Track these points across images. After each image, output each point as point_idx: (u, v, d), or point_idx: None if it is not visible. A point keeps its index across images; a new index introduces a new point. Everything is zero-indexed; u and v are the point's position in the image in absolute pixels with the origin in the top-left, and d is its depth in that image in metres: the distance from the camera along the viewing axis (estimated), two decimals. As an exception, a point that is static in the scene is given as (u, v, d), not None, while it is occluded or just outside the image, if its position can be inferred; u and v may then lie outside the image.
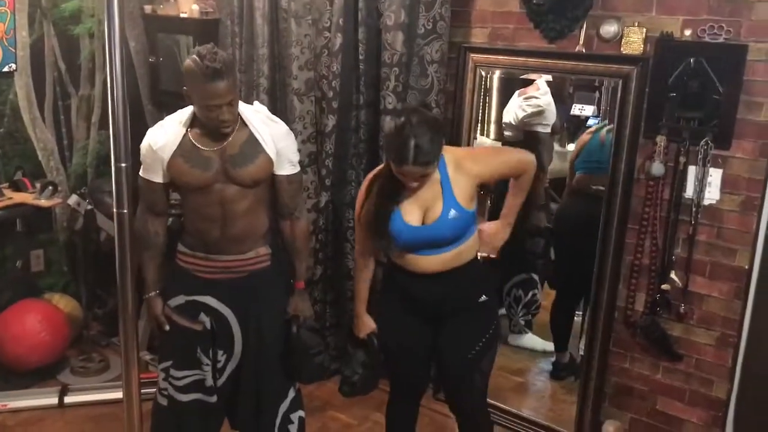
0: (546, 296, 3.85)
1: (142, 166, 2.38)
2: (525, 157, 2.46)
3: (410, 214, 2.31)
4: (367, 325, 2.55)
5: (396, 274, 2.43)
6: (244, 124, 2.33)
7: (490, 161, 2.44)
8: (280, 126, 2.41)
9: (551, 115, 3.57)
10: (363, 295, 2.55)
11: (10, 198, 3.48)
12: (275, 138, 2.36)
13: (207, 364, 2.46)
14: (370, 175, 2.44)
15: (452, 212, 2.28)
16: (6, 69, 3.57)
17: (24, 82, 3.69)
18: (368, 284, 2.55)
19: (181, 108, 2.40)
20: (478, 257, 2.49)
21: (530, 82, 3.56)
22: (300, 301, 2.57)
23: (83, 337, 3.87)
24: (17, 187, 3.59)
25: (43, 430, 3.18)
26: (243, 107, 2.35)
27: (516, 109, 3.60)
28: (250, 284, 2.43)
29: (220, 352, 2.46)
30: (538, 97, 3.54)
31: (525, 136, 3.62)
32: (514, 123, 3.61)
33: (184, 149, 2.31)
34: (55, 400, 3.33)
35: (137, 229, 2.37)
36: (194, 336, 2.44)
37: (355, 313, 2.59)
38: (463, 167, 2.31)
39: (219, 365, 2.47)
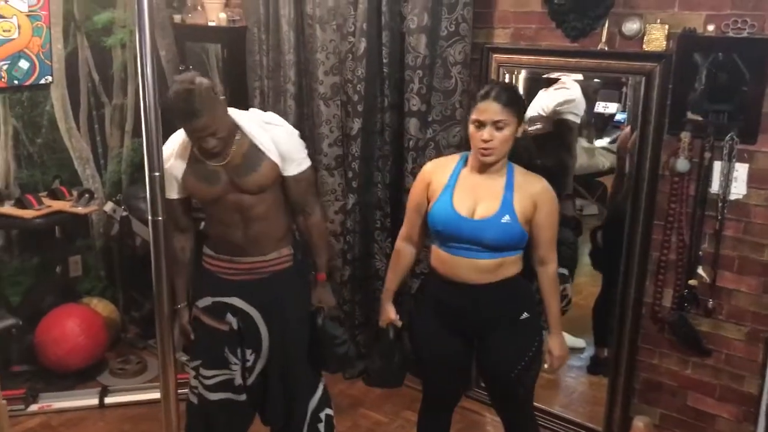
0: (577, 291, 3.82)
1: None
2: (556, 250, 2.38)
3: (460, 199, 2.29)
4: (388, 313, 2.53)
5: (433, 284, 2.42)
6: (244, 133, 2.38)
7: (551, 198, 2.33)
8: (279, 128, 2.43)
9: (581, 104, 3.58)
10: (390, 282, 2.53)
11: (49, 206, 3.59)
12: (276, 141, 2.39)
13: (235, 364, 2.53)
14: (433, 161, 2.47)
15: (506, 217, 2.24)
16: (43, 81, 3.69)
17: (60, 94, 3.81)
18: (400, 275, 2.53)
19: None
20: (521, 278, 2.40)
21: (554, 81, 3.58)
22: (323, 292, 2.63)
23: (121, 339, 3.99)
24: (55, 195, 3.70)
25: (84, 430, 3.28)
26: (238, 116, 2.38)
27: (546, 100, 3.60)
28: (274, 284, 2.50)
29: (249, 351, 2.52)
30: (568, 87, 3.55)
31: (555, 125, 3.62)
32: (544, 113, 3.61)
33: (192, 166, 2.39)
34: (95, 401, 3.44)
35: (170, 242, 2.45)
36: (222, 336, 2.51)
37: (381, 299, 2.57)
38: (529, 182, 2.30)
39: (248, 364, 2.53)
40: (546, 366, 2.45)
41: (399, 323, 2.52)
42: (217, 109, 2.27)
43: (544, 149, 3.63)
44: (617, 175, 3.44)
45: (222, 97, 2.35)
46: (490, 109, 2.21)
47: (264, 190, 2.40)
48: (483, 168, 2.30)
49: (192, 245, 2.59)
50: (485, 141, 2.22)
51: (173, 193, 2.44)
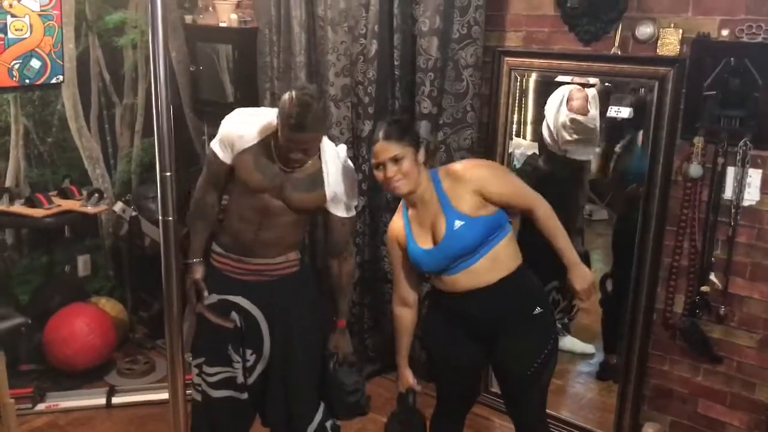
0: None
1: (217, 139, 2.41)
2: (534, 193, 2.34)
3: (420, 237, 2.32)
4: (407, 379, 2.51)
5: (439, 299, 2.42)
6: (322, 159, 2.39)
7: (494, 172, 2.34)
8: (349, 170, 2.46)
9: (594, 143, 3.54)
10: (402, 346, 2.51)
11: (59, 205, 3.59)
12: (340, 178, 2.41)
13: (238, 362, 2.53)
14: (390, 224, 2.46)
15: (456, 223, 2.24)
16: (54, 81, 3.70)
17: (71, 93, 3.82)
18: (408, 337, 2.51)
19: (221, 116, 2.46)
20: (525, 269, 2.38)
21: (562, 84, 3.54)
22: (341, 338, 2.61)
23: (129, 339, 3.99)
24: (65, 194, 3.70)
25: (91, 430, 3.28)
26: (327, 144, 2.41)
27: (560, 126, 3.54)
28: (280, 288, 2.50)
29: (249, 352, 2.52)
30: (583, 122, 3.47)
31: (567, 161, 3.59)
32: (552, 141, 3.58)
33: (258, 150, 2.37)
34: (103, 401, 3.44)
35: (195, 197, 2.49)
36: (226, 333, 2.51)
37: (397, 365, 2.55)
38: (459, 178, 2.28)
39: (248, 364, 2.54)
40: (575, 305, 2.35)
41: (418, 388, 2.52)
42: (322, 132, 2.33)
43: (555, 185, 3.56)
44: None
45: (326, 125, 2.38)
46: (382, 149, 2.22)
47: (302, 211, 2.44)
48: (415, 199, 2.31)
49: (219, 205, 2.56)
50: (389, 178, 2.23)
51: (227, 157, 2.41)
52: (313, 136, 2.27)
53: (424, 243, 2.31)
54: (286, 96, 2.23)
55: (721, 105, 2.65)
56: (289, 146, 2.28)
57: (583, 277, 2.34)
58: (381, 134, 2.24)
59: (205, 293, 2.54)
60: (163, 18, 2.10)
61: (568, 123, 3.48)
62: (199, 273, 2.55)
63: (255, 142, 2.37)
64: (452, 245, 2.25)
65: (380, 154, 2.23)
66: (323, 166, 2.39)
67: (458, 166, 2.34)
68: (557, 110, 3.55)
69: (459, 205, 2.25)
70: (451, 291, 2.34)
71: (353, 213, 2.52)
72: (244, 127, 2.38)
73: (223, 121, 2.41)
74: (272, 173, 2.37)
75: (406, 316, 2.48)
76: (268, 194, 2.38)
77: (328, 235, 2.53)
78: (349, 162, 2.50)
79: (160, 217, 2.22)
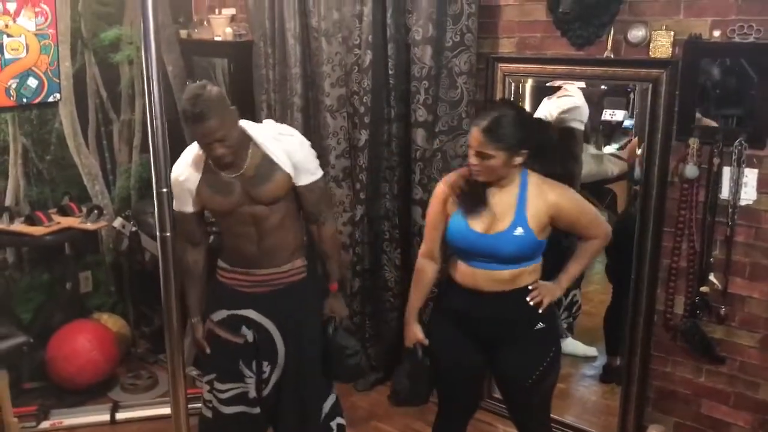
0: (588, 299, 3.81)
1: (174, 200, 2.43)
2: (603, 221, 2.39)
3: (474, 215, 2.29)
4: (414, 333, 2.50)
5: (450, 292, 2.42)
6: (257, 145, 2.39)
7: (572, 200, 2.32)
8: (291, 138, 2.45)
9: (585, 111, 3.56)
10: (415, 301, 2.51)
11: (58, 223, 3.60)
12: (289, 152, 2.41)
13: (250, 377, 2.53)
14: (448, 177, 2.43)
15: (518, 230, 2.23)
16: (51, 99, 3.71)
17: (68, 111, 3.83)
18: (424, 292, 2.50)
19: None
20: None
21: (558, 88, 3.57)
22: (335, 302, 2.64)
23: (132, 354, 3.99)
24: (64, 211, 3.71)
25: (96, 447, 3.28)
26: (251, 128, 2.41)
27: (549, 108, 3.58)
28: (289, 296, 2.50)
29: (265, 363, 2.52)
30: (571, 94, 3.54)
31: (559, 133, 3.61)
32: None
33: (207, 178, 2.41)
34: (107, 417, 3.44)
35: (178, 258, 2.45)
36: (237, 349, 2.51)
37: (405, 319, 2.55)
38: (544, 192, 2.27)
39: (264, 376, 2.53)
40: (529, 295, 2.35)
41: (426, 342, 2.50)
42: (225, 115, 2.29)
43: (547, 160, 3.61)
44: (629, 185, 3.43)
45: (232, 107, 2.35)
46: (476, 138, 2.21)
47: (278, 201, 2.42)
48: (492, 185, 2.29)
49: (204, 259, 2.60)
50: (472, 164, 2.24)
51: (188, 206, 2.46)
52: (217, 123, 2.24)
53: (474, 223, 2.28)
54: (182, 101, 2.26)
55: (715, 105, 2.67)
56: (205, 145, 2.29)
57: (553, 291, 2.38)
58: (483, 124, 2.18)
59: (207, 350, 2.57)
60: (156, 35, 2.13)
61: (557, 99, 3.53)
62: (199, 332, 2.60)
63: (199, 173, 2.41)
64: (501, 245, 2.25)
65: (471, 140, 2.22)
66: (263, 149, 2.38)
67: (549, 182, 2.32)
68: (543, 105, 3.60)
69: (530, 217, 2.25)
70: (465, 286, 2.34)
71: (318, 176, 2.49)
72: (182, 171, 2.43)
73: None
74: (229, 188, 2.39)
75: (428, 269, 2.48)
76: (244, 206, 2.39)
77: (300, 206, 2.51)
78: (286, 129, 2.48)
79: (157, 233, 2.23)
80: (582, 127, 3.61)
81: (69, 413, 3.45)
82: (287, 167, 2.40)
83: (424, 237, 2.49)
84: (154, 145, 2.20)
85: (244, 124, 2.40)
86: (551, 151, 3.57)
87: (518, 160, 2.24)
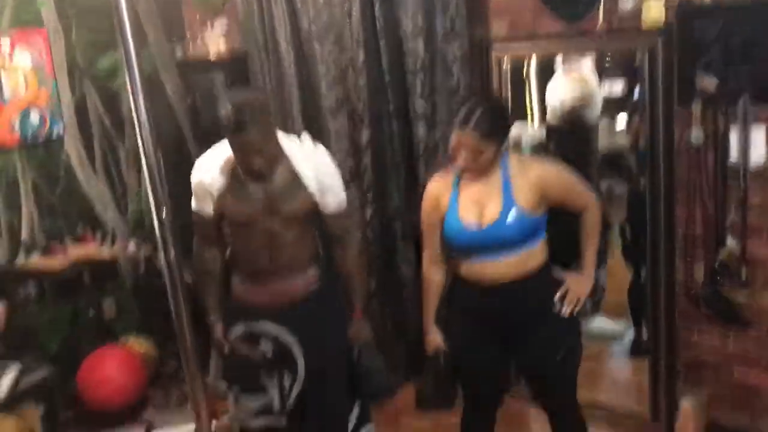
0: (612, 274, 3.75)
1: (194, 198, 2.42)
2: (590, 192, 2.37)
3: (466, 209, 2.27)
4: (434, 340, 2.49)
5: (461, 290, 2.40)
6: (289, 159, 2.36)
7: (556, 172, 2.31)
8: (325, 160, 2.41)
9: (599, 97, 3.51)
10: (429, 308, 2.50)
11: (75, 254, 3.64)
12: (319, 174, 2.36)
13: (273, 389, 2.52)
14: (433, 179, 2.42)
15: (511, 213, 2.21)
16: (55, 132, 3.75)
17: (73, 142, 3.85)
18: (437, 297, 2.49)
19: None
20: (549, 265, 2.37)
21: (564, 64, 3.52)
22: (359, 329, 2.60)
23: (161, 374, 4.02)
24: (79, 241, 3.75)
25: (134, 469, 3.32)
26: (287, 142, 2.37)
27: (562, 93, 3.52)
28: (305, 306, 2.49)
29: (286, 375, 2.52)
30: (585, 79, 3.47)
31: (573, 121, 3.56)
32: (560, 109, 3.55)
33: (232, 185, 2.36)
34: (142, 439, 3.49)
35: (194, 261, 2.45)
36: (257, 363, 2.50)
37: (423, 327, 2.54)
38: (526, 169, 2.26)
39: (285, 390, 2.53)
40: (557, 299, 2.32)
41: (445, 348, 2.48)
42: (267, 126, 2.24)
43: (563, 146, 3.56)
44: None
45: (271, 118, 2.32)
46: (468, 140, 2.17)
47: (298, 219, 2.40)
48: (477, 175, 2.27)
49: (222, 256, 2.55)
50: (461, 165, 2.21)
51: (208, 208, 2.41)
52: (258, 134, 2.19)
53: (468, 217, 2.26)
54: (220, 108, 2.21)
55: (715, 67, 2.60)
56: (243, 155, 2.24)
57: (583, 286, 2.36)
58: (470, 123, 2.16)
59: (226, 349, 2.56)
60: (139, 68, 2.13)
61: (569, 81, 3.44)
62: (218, 331, 2.56)
63: (224, 178, 2.36)
64: (499, 234, 2.23)
65: (465, 143, 2.17)
66: (295, 167, 2.35)
67: (529, 159, 2.34)
68: (556, 86, 3.53)
69: (519, 197, 2.22)
70: (472, 281, 2.32)
71: (344, 203, 2.46)
72: (208, 171, 2.37)
73: (191, 177, 2.41)
74: (253, 198, 2.35)
75: (436, 276, 2.46)
76: (260, 218, 2.36)
77: (325, 228, 2.49)
78: (320, 148, 2.44)
79: (162, 261, 2.24)
80: (597, 113, 3.56)
81: (105, 438, 3.50)
82: (313, 189, 2.36)
83: (424, 243, 2.47)
84: (151, 176, 2.19)
85: (281, 136, 2.36)
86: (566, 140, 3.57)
87: (504, 146, 2.23)
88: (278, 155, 2.33)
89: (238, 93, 2.23)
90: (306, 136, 2.48)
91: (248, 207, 2.36)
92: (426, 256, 2.47)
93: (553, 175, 2.29)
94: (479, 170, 2.24)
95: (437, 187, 2.37)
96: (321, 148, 2.46)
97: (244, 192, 2.35)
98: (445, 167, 2.38)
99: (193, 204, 2.44)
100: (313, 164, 2.37)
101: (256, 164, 2.26)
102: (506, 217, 2.21)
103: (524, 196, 2.23)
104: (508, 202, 2.22)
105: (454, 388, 2.55)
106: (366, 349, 2.58)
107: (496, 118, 2.20)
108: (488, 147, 2.18)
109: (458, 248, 2.33)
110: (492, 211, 2.23)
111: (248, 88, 2.23)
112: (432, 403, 2.59)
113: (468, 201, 2.28)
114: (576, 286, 2.35)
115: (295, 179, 2.35)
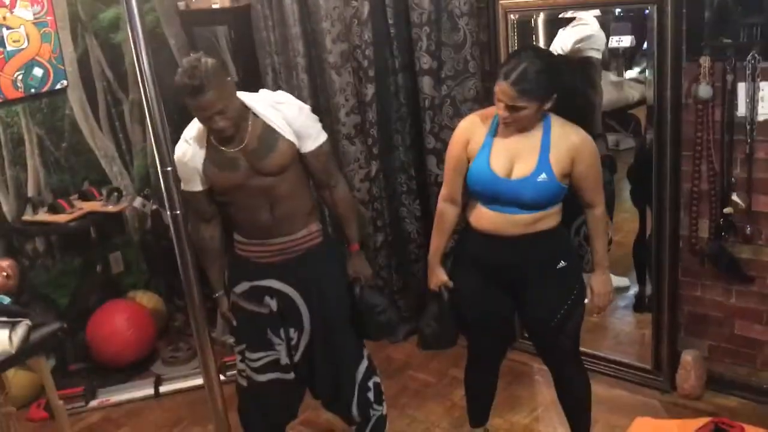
0: (618, 229, 3.75)
1: (181, 181, 2.43)
2: (603, 194, 2.36)
3: (497, 158, 2.26)
4: (438, 276, 2.51)
5: (470, 239, 2.41)
6: (255, 115, 2.36)
7: (591, 149, 2.27)
8: (289, 106, 2.41)
9: (601, 39, 3.47)
10: (437, 244, 2.50)
11: (81, 208, 3.66)
12: (289, 120, 2.37)
13: (279, 344, 2.56)
14: (469, 117, 2.40)
15: (542, 176, 2.21)
16: (58, 86, 3.73)
17: (77, 96, 3.84)
18: (446, 235, 2.49)
19: None
20: (560, 230, 2.38)
21: (572, 19, 3.47)
22: (357, 262, 2.63)
23: (169, 328, 4.08)
24: (86, 196, 3.76)
25: (144, 420, 3.38)
26: (247, 98, 2.37)
27: (564, 38, 3.49)
28: (308, 262, 2.51)
29: (292, 330, 2.55)
30: (586, 22, 3.44)
31: (576, 63, 3.53)
32: (563, 52, 3.52)
33: (211, 155, 2.39)
34: (151, 391, 3.54)
35: (192, 239, 2.46)
36: (263, 319, 2.54)
37: (428, 263, 2.56)
38: (567, 134, 2.24)
39: (293, 342, 2.56)
40: (587, 303, 2.40)
41: (450, 284, 2.51)
42: (223, 86, 2.24)
43: (567, 90, 3.53)
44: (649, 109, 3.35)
45: (229, 78, 2.32)
46: (505, 93, 2.15)
47: (285, 171, 2.40)
48: (517, 129, 2.25)
49: (220, 232, 2.60)
50: (502, 117, 2.20)
51: (196, 185, 2.44)
52: (216, 95, 2.20)
53: (498, 166, 2.26)
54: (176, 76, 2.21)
55: (725, 21, 2.56)
56: (205, 119, 2.26)
57: (604, 283, 2.40)
58: (511, 77, 2.13)
59: (234, 322, 2.61)
60: (141, 18, 2.13)
61: (571, 29, 3.42)
62: (224, 305, 2.62)
63: (203, 151, 2.38)
64: (524, 191, 2.23)
65: (501, 95, 2.16)
66: (263, 119, 2.35)
67: (573, 127, 2.29)
68: (562, 34, 3.50)
69: (553, 161, 2.22)
70: (485, 231, 2.33)
71: (322, 140, 2.45)
72: (185, 150, 2.40)
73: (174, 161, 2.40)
74: (234, 163, 2.36)
75: (450, 212, 2.47)
76: (251, 179, 2.37)
77: (309, 172, 2.49)
78: (282, 96, 2.44)
79: (168, 212, 2.26)
80: (599, 56, 3.52)
81: (115, 390, 3.56)
82: (289, 135, 2.36)
83: (444, 180, 2.46)
84: (154, 127, 2.22)
85: (242, 95, 2.37)
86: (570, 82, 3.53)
87: (548, 105, 2.20)
88: (243, 114, 2.34)
89: (190, 59, 2.23)
90: (264, 90, 2.48)
91: (233, 172, 2.37)
92: (444, 192, 2.47)
93: (588, 151, 2.26)
94: (518, 125, 2.22)
95: (471, 126, 2.35)
96: (282, 94, 2.46)
97: (225, 159, 2.37)
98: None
99: (182, 186, 2.44)
100: (281, 112, 2.37)
101: (222, 125, 2.26)
102: (536, 178, 2.21)
103: (559, 163, 2.22)
104: (542, 164, 2.22)
105: (456, 328, 2.56)
106: (367, 287, 2.61)
107: (540, 77, 2.14)
108: (527, 103, 2.15)
109: (478, 192, 2.33)
110: (524, 168, 2.23)
111: (200, 54, 2.24)
112: (433, 343, 2.61)
113: (502, 149, 2.27)
114: (600, 286, 2.41)
115: (268, 132, 2.35)
